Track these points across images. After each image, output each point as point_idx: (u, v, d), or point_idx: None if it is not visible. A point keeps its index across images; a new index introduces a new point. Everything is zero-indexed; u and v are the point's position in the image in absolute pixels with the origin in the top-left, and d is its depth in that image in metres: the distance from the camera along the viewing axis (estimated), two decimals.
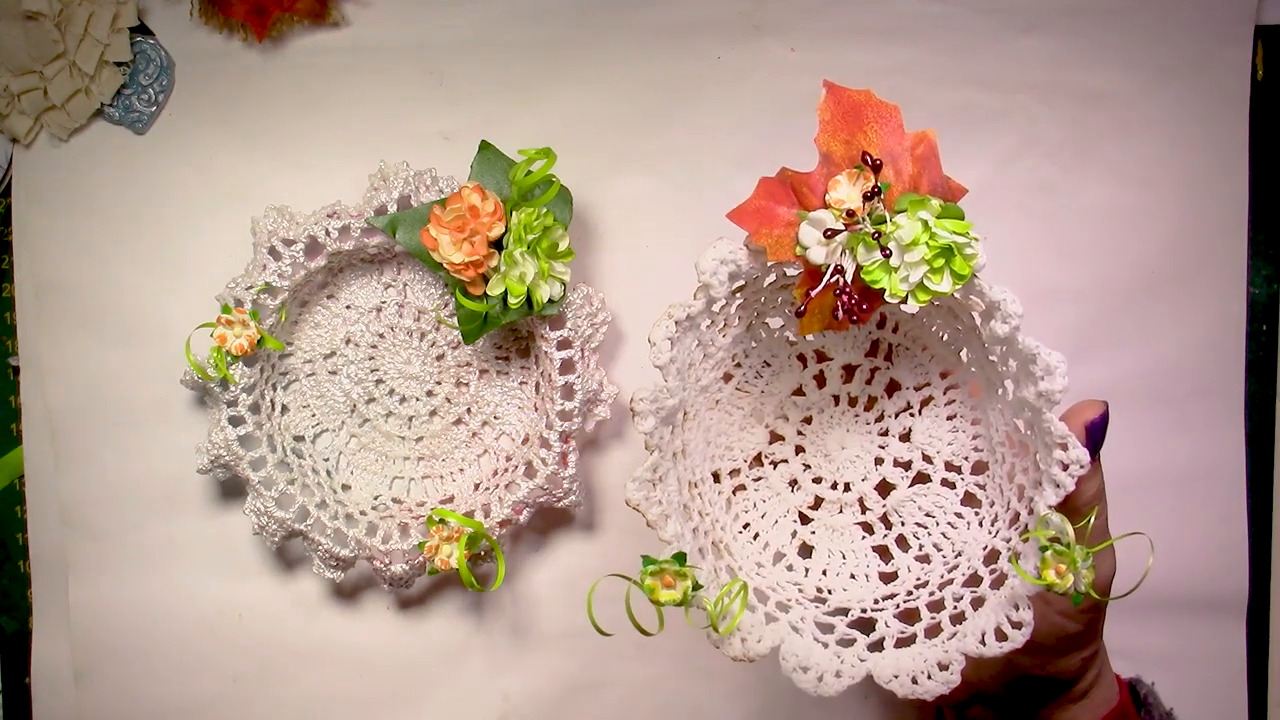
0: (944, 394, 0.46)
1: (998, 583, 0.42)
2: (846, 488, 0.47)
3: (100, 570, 0.58)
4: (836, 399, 0.47)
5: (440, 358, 0.56)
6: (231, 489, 0.57)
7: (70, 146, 0.57)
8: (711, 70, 0.55)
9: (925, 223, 0.38)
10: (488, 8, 0.56)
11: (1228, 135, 0.54)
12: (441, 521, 0.51)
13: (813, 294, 0.39)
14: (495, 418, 0.56)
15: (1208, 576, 0.56)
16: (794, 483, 0.48)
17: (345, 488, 0.56)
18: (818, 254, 0.39)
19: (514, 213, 0.49)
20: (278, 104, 0.56)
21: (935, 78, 0.55)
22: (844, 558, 0.47)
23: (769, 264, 0.41)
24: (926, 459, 0.46)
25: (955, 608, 0.42)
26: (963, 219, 0.38)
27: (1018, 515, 0.43)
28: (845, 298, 0.39)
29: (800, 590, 0.46)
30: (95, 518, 0.58)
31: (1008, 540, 0.43)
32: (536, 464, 0.53)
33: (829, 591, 0.46)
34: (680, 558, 0.39)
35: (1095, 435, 0.39)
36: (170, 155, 0.57)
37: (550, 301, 0.50)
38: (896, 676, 0.40)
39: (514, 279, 0.49)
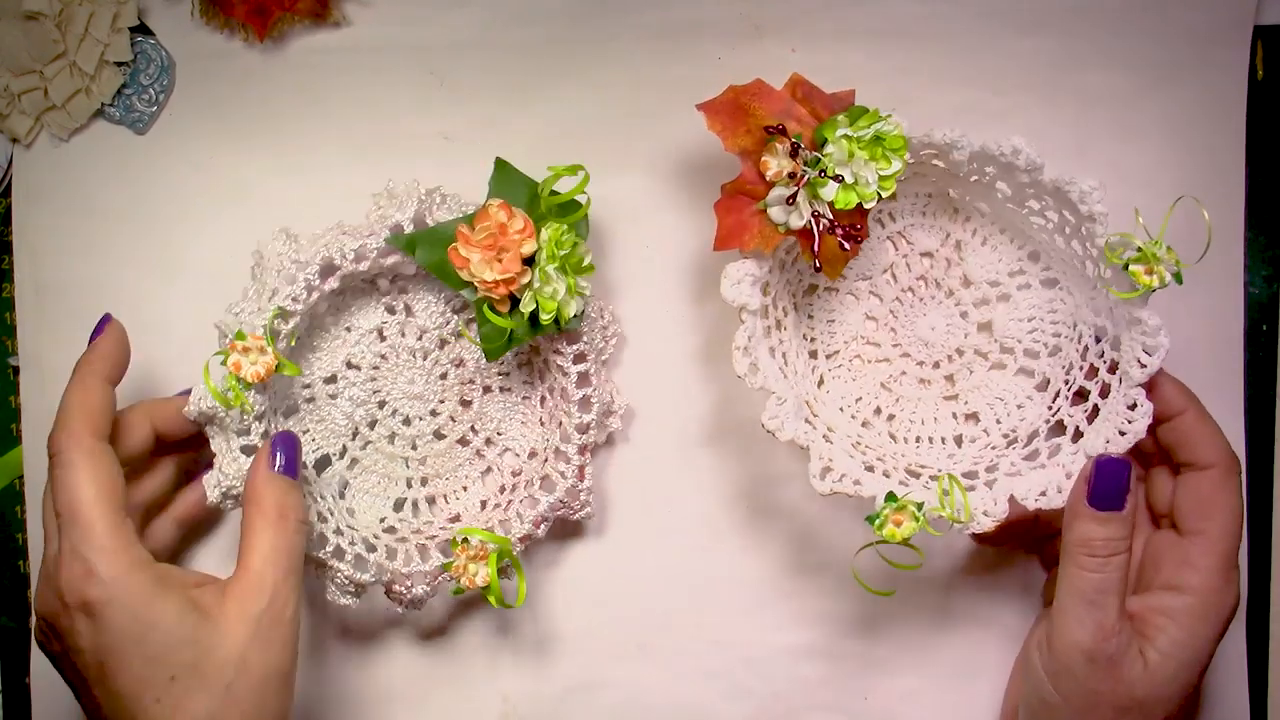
0: (964, 229, 0.53)
1: (1114, 345, 0.49)
2: (959, 352, 0.54)
3: None
4: (899, 299, 0.54)
5: (443, 376, 0.55)
6: None
7: (70, 146, 0.57)
8: (711, 70, 0.55)
9: (845, 136, 0.45)
10: (489, 8, 0.56)
11: (1227, 136, 0.54)
12: (464, 540, 0.51)
13: (816, 248, 0.46)
14: (499, 434, 0.56)
15: None
16: (923, 381, 0.54)
17: (350, 512, 0.55)
18: (796, 220, 0.46)
19: (542, 229, 0.48)
20: (278, 104, 0.56)
21: (935, 78, 0.55)
22: (1001, 400, 0.53)
23: (771, 256, 0.48)
24: (993, 284, 0.53)
25: (1102, 383, 0.50)
26: (868, 111, 0.46)
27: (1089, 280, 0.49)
28: (840, 230, 0.47)
29: (993, 447, 0.52)
30: None
31: (1090, 300, 0.50)
32: (555, 478, 0.53)
33: (1014, 429, 0.52)
34: (891, 497, 0.46)
35: None
36: (170, 155, 0.57)
37: (575, 317, 0.49)
38: (1109, 441, 0.47)
39: (546, 296, 0.48)
